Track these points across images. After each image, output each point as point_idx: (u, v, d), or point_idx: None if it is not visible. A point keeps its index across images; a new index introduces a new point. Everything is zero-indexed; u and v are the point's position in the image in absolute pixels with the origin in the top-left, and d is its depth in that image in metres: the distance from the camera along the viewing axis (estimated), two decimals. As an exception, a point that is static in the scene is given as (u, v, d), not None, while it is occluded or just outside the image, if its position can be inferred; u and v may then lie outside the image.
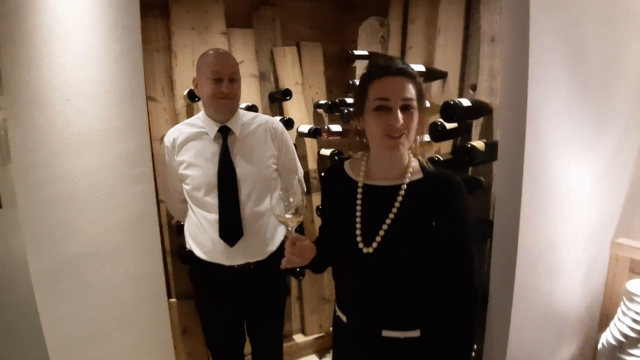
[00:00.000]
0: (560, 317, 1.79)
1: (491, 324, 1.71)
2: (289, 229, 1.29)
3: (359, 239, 1.25)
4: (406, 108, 1.17)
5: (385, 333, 1.28)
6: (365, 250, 1.24)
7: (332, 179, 1.44)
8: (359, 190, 1.29)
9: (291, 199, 1.26)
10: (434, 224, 1.21)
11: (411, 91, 1.18)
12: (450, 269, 1.25)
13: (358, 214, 1.27)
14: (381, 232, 1.23)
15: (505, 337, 1.64)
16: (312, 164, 2.89)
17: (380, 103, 1.18)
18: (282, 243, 1.97)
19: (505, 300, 1.62)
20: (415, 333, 1.27)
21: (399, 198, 1.23)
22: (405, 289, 1.25)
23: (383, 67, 1.20)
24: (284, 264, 1.31)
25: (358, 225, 1.26)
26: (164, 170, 2.00)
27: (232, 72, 1.81)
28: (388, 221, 1.23)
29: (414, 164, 1.28)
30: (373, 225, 1.24)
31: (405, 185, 1.24)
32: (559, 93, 1.56)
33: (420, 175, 1.26)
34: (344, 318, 1.38)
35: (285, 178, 2.04)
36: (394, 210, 1.23)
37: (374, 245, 1.23)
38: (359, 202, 1.28)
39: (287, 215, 1.26)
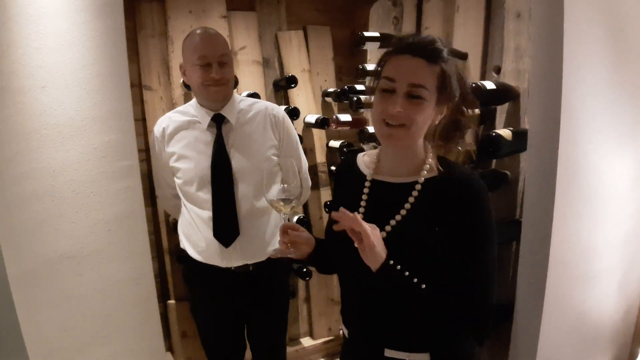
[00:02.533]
0: (593, 328, 1.63)
1: (517, 336, 1.54)
2: (283, 216, 1.20)
3: None
4: (412, 96, 1.02)
5: (389, 353, 1.13)
6: None
7: (343, 172, 1.32)
8: (367, 184, 1.17)
9: (284, 184, 1.17)
10: (443, 231, 1.04)
11: (426, 78, 1.01)
12: (462, 284, 1.05)
13: (361, 210, 1.14)
14: (382, 234, 1.07)
15: (534, 350, 1.47)
16: (321, 157, 2.72)
17: (385, 85, 1.04)
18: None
19: (533, 311, 1.45)
20: (424, 357, 1.10)
21: (411, 199, 1.09)
22: (409, 302, 1.07)
23: (407, 44, 1.04)
24: (273, 253, 1.22)
25: None
26: (155, 162, 1.85)
27: (221, 54, 1.63)
28: (393, 222, 1.09)
29: (431, 160, 1.11)
30: (376, 224, 1.07)
31: (420, 185, 1.09)
32: (598, 74, 1.39)
33: (434, 173, 1.10)
34: (346, 332, 1.26)
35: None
36: (403, 212, 1.09)
37: None
38: (364, 197, 1.16)
39: (281, 201, 1.16)
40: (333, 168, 2.70)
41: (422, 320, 1.09)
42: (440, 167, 1.10)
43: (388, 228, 1.08)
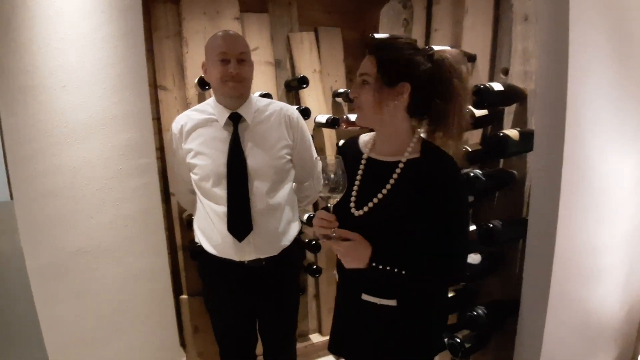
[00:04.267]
0: (597, 325, 1.65)
1: (522, 332, 1.57)
2: (329, 205, 1.32)
3: (352, 204, 1.33)
4: (362, 82, 1.26)
5: (365, 297, 1.35)
6: (356, 213, 1.32)
7: (345, 151, 1.49)
8: (363, 162, 1.37)
9: (332, 176, 1.29)
10: (421, 202, 1.24)
11: (367, 67, 1.25)
12: (435, 250, 1.24)
13: (357, 182, 1.34)
14: (375, 200, 1.29)
15: (538, 346, 1.50)
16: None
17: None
18: (296, 239, 1.89)
19: (538, 307, 1.48)
20: (392, 302, 1.31)
21: (395, 175, 1.28)
22: (385, 257, 1.26)
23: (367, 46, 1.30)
24: (322, 240, 1.33)
25: (354, 192, 1.34)
26: (172, 159, 1.89)
27: (240, 52, 1.69)
28: (384, 191, 1.29)
29: (414, 142, 1.31)
30: (368, 194, 1.31)
31: (402, 164, 1.28)
32: (602, 76, 1.41)
33: (417, 154, 1.30)
34: (337, 277, 1.48)
35: (300, 170, 1.95)
36: (389, 185, 1.29)
37: (365, 209, 1.31)
38: (360, 171, 1.36)
39: (329, 193, 1.29)
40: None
41: (391, 272, 1.27)
42: (423, 149, 1.29)
43: (375, 200, 1.29)
